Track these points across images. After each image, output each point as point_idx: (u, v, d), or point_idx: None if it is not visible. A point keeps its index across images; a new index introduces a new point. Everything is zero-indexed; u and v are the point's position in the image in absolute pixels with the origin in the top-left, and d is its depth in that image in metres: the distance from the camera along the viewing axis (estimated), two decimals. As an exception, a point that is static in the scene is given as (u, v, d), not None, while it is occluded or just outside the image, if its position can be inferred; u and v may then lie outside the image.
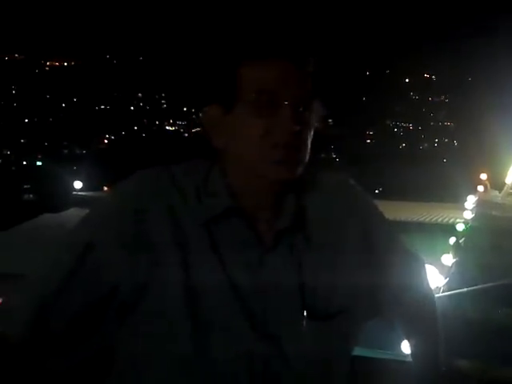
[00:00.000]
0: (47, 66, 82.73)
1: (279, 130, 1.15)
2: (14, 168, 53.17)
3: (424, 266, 1.36)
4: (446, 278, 6.72)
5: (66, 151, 63.18)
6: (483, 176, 21.07)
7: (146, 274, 1.14)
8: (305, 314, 1.20)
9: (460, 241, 10.30)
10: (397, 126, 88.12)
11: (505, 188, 21.98)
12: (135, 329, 1.18)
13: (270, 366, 1.17)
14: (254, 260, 1.19)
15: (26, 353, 1.11)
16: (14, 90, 75.67)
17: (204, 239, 1.17)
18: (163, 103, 78.97)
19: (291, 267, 1.21)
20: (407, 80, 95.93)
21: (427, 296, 1.35)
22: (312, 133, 1.22)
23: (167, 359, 1.15)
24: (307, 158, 1.21)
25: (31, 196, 41.15)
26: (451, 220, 13.70)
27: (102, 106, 76.44)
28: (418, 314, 1.32)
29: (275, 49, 1.17)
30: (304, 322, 1.20)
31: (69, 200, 16.47)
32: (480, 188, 20.01)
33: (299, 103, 1.18)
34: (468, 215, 13.65)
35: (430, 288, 1.38)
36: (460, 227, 11.17)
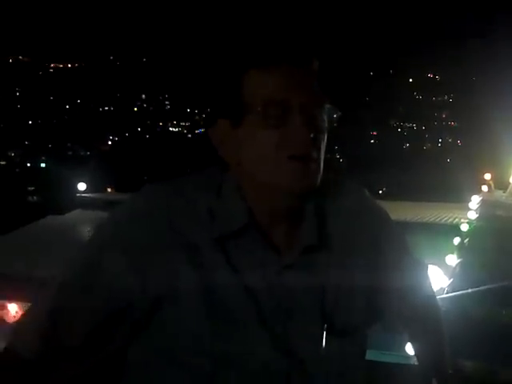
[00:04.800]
0: (51, 67, 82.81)
1: (293, 140, 1.11)
2: (18, 170, 53.26)
3: (427, 272, 1.37)
4: (450, 279, 6.68)
5: (69, 153, 63.27)
6: (487, 176, 21.01)
7: (158, 288, 1.12)
8: (325, 329, 1.18)
9: (464, 241, 10.26)
10: (400, 126, 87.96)
11: (509, 188, 21.91)
12: (148, 341, 1.16)
13: (291, 382, 1.15)
14: (272, 275, 1.17)
15: (41, 368, 1.11)
16: (18, 91, 75.78)
17: (218, 255, 1.15)
18: (167, 104, 78.96)
19: (311, 282, 1.19)
20: (411, 80, 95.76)
21: (431, 300, 1.35)
22: (326, 138, 1.17)
23: (183, 371, 1.14)
24: (322, 164, 1.16)
25: (35, 198, 41.21)
26: (455, 220, 13.65)
27: (106, 108, 76.46)
28: (423, 317, 1.32)
29: (278, 54, 1.12)
30: (324, 338, 1.19)
31: (73, 202, 16.44)
32: (484, 188, 19.96)
33: (310, 109, 1.13)
34: (472, 215, 13.60)
35: (434, 292, 1.38)
36: (464, 227, 11.13)
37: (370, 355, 1.37)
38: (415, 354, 1.35)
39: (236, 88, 1.13)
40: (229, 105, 1.14)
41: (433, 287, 1.38)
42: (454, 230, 11.04)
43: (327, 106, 1.16)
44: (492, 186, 20.54)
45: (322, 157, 1.16)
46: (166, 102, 79.04)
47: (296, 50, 1.14)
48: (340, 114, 1.17)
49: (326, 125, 1.17)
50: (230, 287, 1.13)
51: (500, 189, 21.11)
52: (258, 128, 1.12)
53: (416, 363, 1.36)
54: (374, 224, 1.28)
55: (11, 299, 5.55)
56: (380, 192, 35.75)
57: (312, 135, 1.13)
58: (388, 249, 1.28)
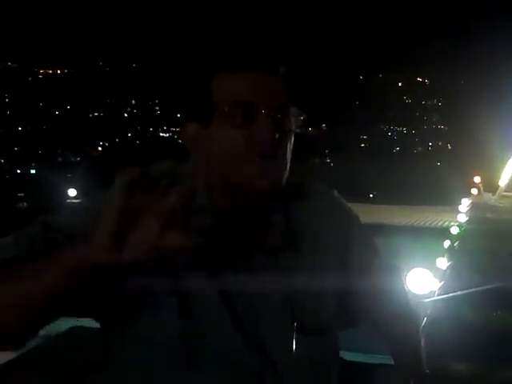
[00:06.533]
0: (40, 73, 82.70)
1: (258, 140, 1.13)
2: (7, 176, 53.05)
3: (400, 274, 1.41)
4: (440, 282, 6.72)
5: (59, 159, 63.08)
6: (477, 179, 21.13)
7: (127, 281, 1.12)
8: (295, 329, 1.20)
9: (454, 244, 10.32)
10: (390, 130, 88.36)
11: (498, 190, 22.05)
12: (120, 340, 1.16)
13: (265, 380, 1.16)
14: (242, 276, 1.18)
15: None
16: (7, 98, 75.65)
17: (190, 255, 1.17)
18: (157, 110, 79.01)
19: (281, 281, 1.19)
20: (400, 84, 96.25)
21: (405, 300, 1.38)
22: (292, 139, 1.20)
23: (155, 371, 1.14)
24: (289, 165, 1.18)
25: (25, 204, 41.03)
26: (446, 223, 13.75)
27: (96, 113, 76.45)
28: (398, 317, 1.34)
29: (246, 59, 1.16)
30: (295, 336, 1.20)
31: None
32: (474, 191, 20.08)
33: (276, 111, 1.15)
34: (462, 218, 13.68)
35: (407, 293, 1.40)
36: (454, 230, 11.19)
37: (345, 356, 1.39)
38: (391, 355, 1.37)
39: (205, 90, 1.16)
40: (199, 107, 1.18)
41: (406, 288, 1.41)
42: (444, 233, 11.10)
43: (293, 108, 1.19)
44: (481, 188, 20.67)
45: (289, 157, 1.19)
46: (156, 108, 79.12)
47: (263, 56, 1.17)
48: (305, 116, 1.20)
49: (292, 127, 1.20)
50: (202, 287, 1.15)
51: (489, 192, 21.25)
52: (226, 128, 1.14)
53: (392, 363, 1.38)
54: (344, 223, 1.31)
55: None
56: (371, 196, 35.82)
57: (277, 135, 1.15)
58: (358, 248, 1.29)
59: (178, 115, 1.24)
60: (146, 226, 0.93)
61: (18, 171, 56.34)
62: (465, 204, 15.80)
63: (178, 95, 1.24)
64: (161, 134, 74.99)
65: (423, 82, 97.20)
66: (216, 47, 1.21)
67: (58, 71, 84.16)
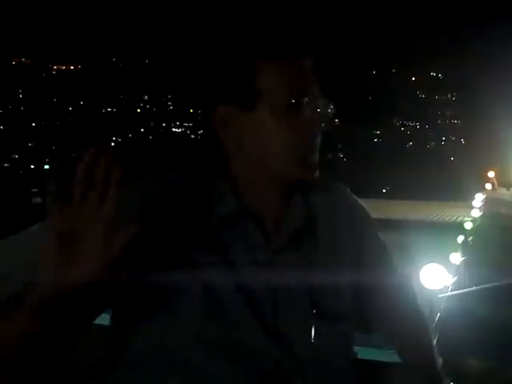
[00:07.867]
0: (54, 69, 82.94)
1: (303, 130, 1.15)
2: (22, 172, 53.35)
3: (409, 274, 1.46)
4: (454, 277, 6.67)
5: (73, 154, 63.20)
6: (491, 174, 20.98)
7: (151, 275, 1.12)
8: (313, 317, 1.20)
9: (468, 239, 10.26)
10: (404, 125, 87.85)
11: (513, 186, 21.89)
12: (138, 328, 1.16)
13: (282, 367, 1.16)
14: (262, 261, 1.18)
15: None
16: (21, 93, 75.92)
17: (211, 241, 1.16)
18: (169, 105, 79.03)
19: (300, 268, 1.21)
20: (414, 79, 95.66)
21: (414, 298, 1.39)
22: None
23: (174, 363, 1.14)
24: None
25: (40, 199, 41.28)
26: (459, 218, 13.65)
27: (109, 109, 76.58)
28: (410, 315, 1.36)
29: (297, 48, 1.16)
30: (313, 323, 1.20)
31: (77, 203, 16.46)
32: (488, 186, 19.94)
33: (319, 102, 1.17)
34: (476, 213, 13.59)
35: (416, 293, 1.42)
36: (468, 226, 11.11)
37: (358, 352, 1.40)
38: (401, 352, 1.38)
39: (250, 74, 1.15)
40: (242, 92, 1.15)
41: (415, 286, 1.43)
42: (458, 228, 11.02)
43: (326, 100, 1.20)
44: (495, 183, 20.51)
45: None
46: (169, 103, 79.13)
47: (311, 45, 1.18)
48: (334, 110, 1.21)
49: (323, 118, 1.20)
50: (221, 274, 1.14)
51: (504, 186, 21.08)
52: (271, 116, 1.14)
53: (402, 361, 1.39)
54: (357, 221, 1.33)
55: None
56: (384, 191, 35.70)
57: (318, 127, 1.18)
58: (370, 246, 1.32)
59: (209, 97, 1.21)
60: (90, 236, 0.91)
61: (32, 166, 56.61)
62: (479, 199, 15.67)
63: (214, 77, 1.22)
64: (173, 130, 75.01)
65: (437, 76, 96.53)
66: (271, 32, 1.19)
67: (72, 67, 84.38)
